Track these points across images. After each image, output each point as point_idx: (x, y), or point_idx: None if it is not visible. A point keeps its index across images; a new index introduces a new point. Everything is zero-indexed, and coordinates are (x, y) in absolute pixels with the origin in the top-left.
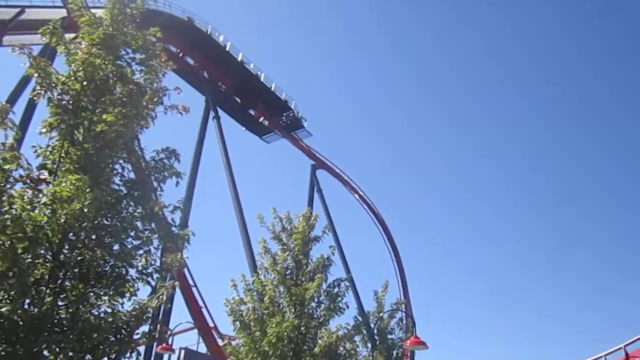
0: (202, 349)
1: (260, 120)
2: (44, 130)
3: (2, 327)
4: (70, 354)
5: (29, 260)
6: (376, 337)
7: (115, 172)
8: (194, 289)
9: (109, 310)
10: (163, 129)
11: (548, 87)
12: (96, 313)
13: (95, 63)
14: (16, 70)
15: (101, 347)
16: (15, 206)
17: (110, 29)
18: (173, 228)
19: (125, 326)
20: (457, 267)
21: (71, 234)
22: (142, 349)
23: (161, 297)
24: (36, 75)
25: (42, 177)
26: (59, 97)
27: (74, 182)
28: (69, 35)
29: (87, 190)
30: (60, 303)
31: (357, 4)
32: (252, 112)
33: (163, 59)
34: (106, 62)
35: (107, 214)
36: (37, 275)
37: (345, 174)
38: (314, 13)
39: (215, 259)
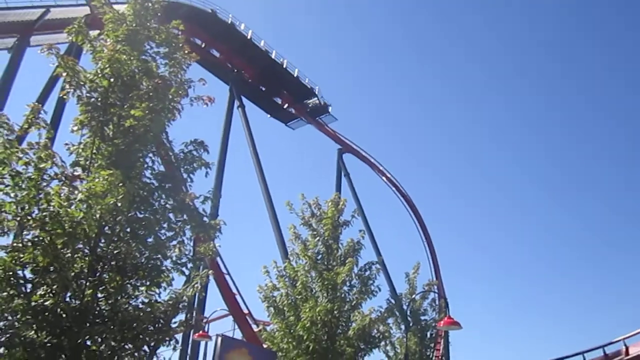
0: (238, 335)
1: (285, 107)
2: (75, 128)
3: (47, 320)
4: (112, 343)
5: (69, 255)
6: (409, 318)
7: (145, 165)
8: (227, 276)
9: (146, 300)
10: (189, 120)
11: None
12: (134, 304)
13: (121, 59)
14: (45, 70)
15: (141, 336)
16: (52, 203)
17: (134, 25)
18: (204, 218)
19: (162, 315)
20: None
21: (106, 228)
22: (179, 336)
23: (196, 285)
24: (65, 74)
25: (76, 174)
26: (87, 94)
27: (106, 177)
28: (93, 33)
29: (120, 184)
30: (99, 295)
31: None
32: (276, 99)
33: (186, 51)
34: (131, 58)
35: (139, 207)
36: (76, 269)
37: (372, 157)
38: None
39: (247, 246)
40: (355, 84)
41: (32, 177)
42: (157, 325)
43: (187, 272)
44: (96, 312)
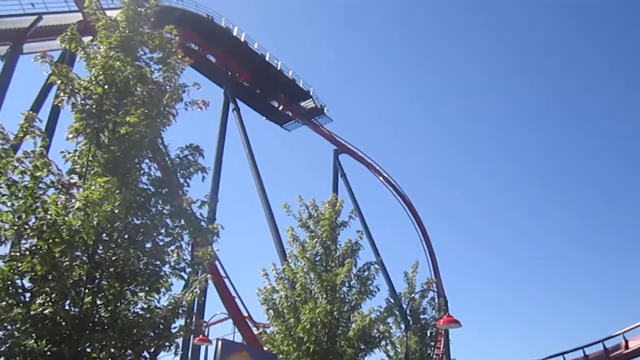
0: (238, 338)
1: (280, 108)
2: (70, 135)
3: (46, 328)
4: (112, 350)
5: (67, 262)
6: (409, 317)
7: (142, 171)
8: (226, 280)
9: (146, 306)
10: (184, 125)
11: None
12: (134, 310)
13: (115, 66)
14: (39, 77)
15: (141, 342)
16: (50, 212)
17: (127, 31)
18: (202, 223)
19: (162, 321)
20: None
21: (104, 235)
22: (179, 341)
23: (195, 290)
24: (59, 82)
25: (72, 181)
26: (82, 102)
27: (103, 184)
28: (86, 39)
29: (117, 191)
30: (98, 302)
31: None
32: (271, 101)
33: (180, 56)
34: (125, 64)
35: (137, 213)
36: (75, 276)
37: (369, 157)
38: None
39: (246, 249)
40: (352, 83)
41: (29, 185)
42: (157, 331)
43: (185, 277)
44: (96, 320)
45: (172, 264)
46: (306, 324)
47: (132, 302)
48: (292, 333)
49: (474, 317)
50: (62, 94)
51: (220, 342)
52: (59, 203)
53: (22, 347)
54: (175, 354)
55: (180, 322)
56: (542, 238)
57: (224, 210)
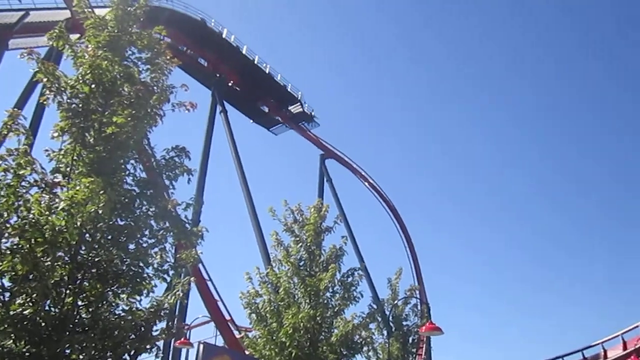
0: (220, 341)
1: (268, 112)
2: (55, 134)
3: (26, 329)
4: (93, 352)
5: (48, 263)
6: (392, 324)
7: (127, 172)
8: (209, 282)
9: (127, 308)
10: (171, 125)
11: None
12: (115, 312)
13: (102, 65)
14: (24, 74)
15: (121, 344)
16: (32, 211)
17: (116, 30)
18: (186, 225)
19: (144, 323)
20: (475, 250)
21: (87, 235)
22: (161, 344)
23: (177, 293)
24: (45, 80)
25: (56, 180)
26: (68, 100)
27: (87, 185)
28: (73, 37)
29: (101, 192)
30: (80, 303)
31: None
32: (259, 104)
33: (168, 57)
34: (113, 64)
35: (121, 214)
36: (56, 277)
37: (355, 162)
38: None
39: (230, 253)
40: (339, 88)
41: (11, 184)
42: (138, 333)
43: (168, 279)
44: (76, 321)
45: (156, 266)
46: (289, 329)
47: (113, 304)
48: (274, 338)
49: (457, 322)
50: (47, 92)
51: (202, 346)
52: (42, 202)
53: (0, 348)
54: (157, 356)
55: (162, 324)
56: (531, 241)
57: (209, 213)
